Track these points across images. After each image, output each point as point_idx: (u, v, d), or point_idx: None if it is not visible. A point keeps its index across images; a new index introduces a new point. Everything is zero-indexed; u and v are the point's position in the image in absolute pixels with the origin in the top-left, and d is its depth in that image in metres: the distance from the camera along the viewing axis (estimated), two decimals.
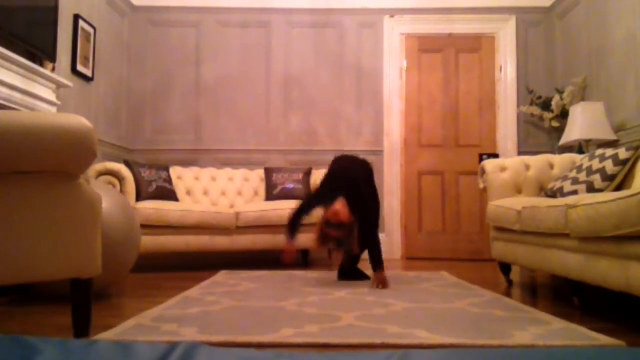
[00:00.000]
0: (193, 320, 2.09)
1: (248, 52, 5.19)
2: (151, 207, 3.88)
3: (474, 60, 5.20)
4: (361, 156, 3.53)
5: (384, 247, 5.17)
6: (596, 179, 2.91)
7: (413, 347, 1.71)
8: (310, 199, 3.23)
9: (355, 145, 5.09)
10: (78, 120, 1.70)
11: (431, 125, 5.18)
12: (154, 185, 4.15)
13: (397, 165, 5.11)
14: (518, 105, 5.05)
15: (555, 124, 4.66)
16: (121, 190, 3.83)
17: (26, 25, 3.23)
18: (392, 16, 5.19)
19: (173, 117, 5.14)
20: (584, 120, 3.90)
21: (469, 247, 5.03)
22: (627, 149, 2.90)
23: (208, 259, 4.49)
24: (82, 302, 1.80)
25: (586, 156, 3.20)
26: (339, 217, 2.94)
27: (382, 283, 3.00)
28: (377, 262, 3.05)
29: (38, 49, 3.35)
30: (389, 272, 3.07)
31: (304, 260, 4.62)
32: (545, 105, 4.77)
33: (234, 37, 5.20)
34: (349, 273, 3.37)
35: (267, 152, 5.13)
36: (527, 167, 3.53)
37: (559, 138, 4.35)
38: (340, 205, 2.97)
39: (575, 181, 3.03)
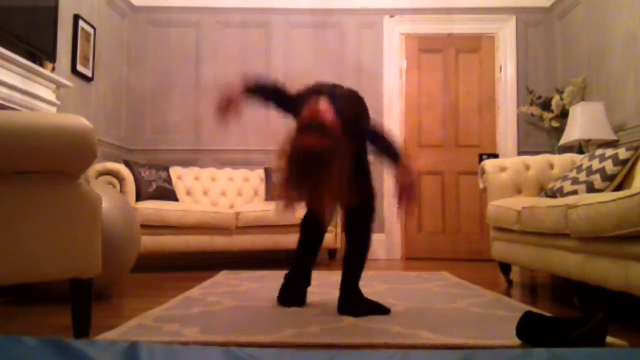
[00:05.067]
0: (195, 320, 2.09)
1: (248, 52, 5.18)
2: (151, 207, 3.88)
3: (474, 60, 5.20)
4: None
5: (383, 248, 5.15)
6: (596, 179, 2.91)
7: (416, 347, 1.71)
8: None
9: None
10: (78, 121, 1.70)
11: (431, 126, 5.18)
12: (154, 186, 4.15)
13: None
14: (518, 106, 5.05)
15: (555, 124, 4.66)
16: (121, 191, 3.83)
17: (26, 26, 3.22)
18: (392, 16, 5.19)
19: (173, 117, 5.13)
20: (584, 120, 3.90)
21: (469, 247, 5.03)
22: (627, 149, 2.90)
23: (208, 259, 4.49)
24: (82, 302, 1.79)
25: (586, 156, 3.20)
26: (320, 115, 1.96)
27: (408, 188, 2.12)
28: (392, 153, 2.26)
29: (38, 49, 3.34)
30: (389, 272, 3.06)
31: None
32: (545, 106, 4.77)
33: (234, 37, 5.19)
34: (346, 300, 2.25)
35: (267, 152, 5.12)
36: (527, 167, 3.53)
37: (559, 138, 4.35)
38: (324, 105, 2.02)
39: (575, 181, 3.02)
